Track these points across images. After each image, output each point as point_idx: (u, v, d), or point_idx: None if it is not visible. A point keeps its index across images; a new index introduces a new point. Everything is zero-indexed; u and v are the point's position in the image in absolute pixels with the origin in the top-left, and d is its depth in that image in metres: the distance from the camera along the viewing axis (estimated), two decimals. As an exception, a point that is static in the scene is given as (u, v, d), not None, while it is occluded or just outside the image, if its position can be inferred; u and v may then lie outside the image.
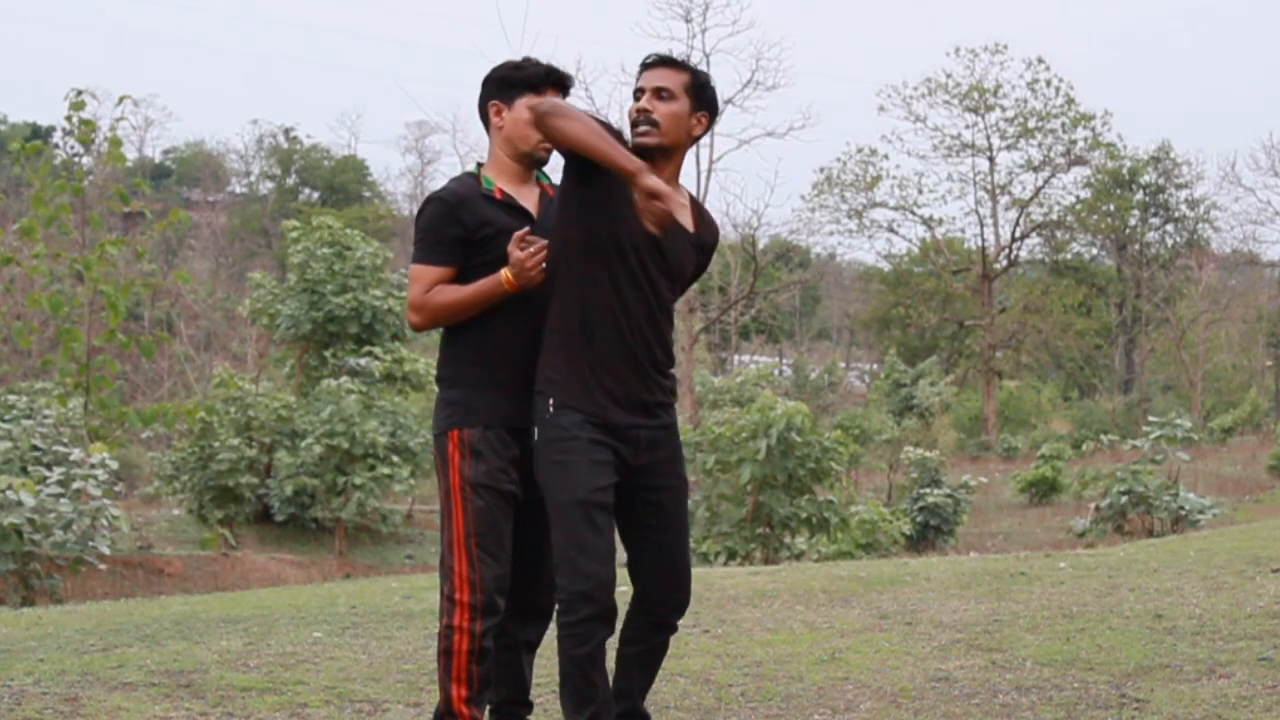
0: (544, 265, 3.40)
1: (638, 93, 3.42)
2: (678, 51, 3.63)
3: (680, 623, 3.57)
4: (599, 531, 3.28)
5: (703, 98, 3.43)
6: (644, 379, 3.40)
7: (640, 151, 3.34)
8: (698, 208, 3.56)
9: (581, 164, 3.31)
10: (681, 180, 3.55)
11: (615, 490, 3.35)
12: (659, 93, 3.38)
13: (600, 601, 3.25)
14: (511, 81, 3.56)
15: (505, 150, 3.59)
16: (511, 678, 3.67)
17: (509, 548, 3.49)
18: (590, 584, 3.24)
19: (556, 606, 3.32)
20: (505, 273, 3.41)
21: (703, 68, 3.46)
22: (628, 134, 3.42)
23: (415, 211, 3.80)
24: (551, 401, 3.36)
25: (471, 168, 3.67)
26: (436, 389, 3.65)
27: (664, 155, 3.39)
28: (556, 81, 3.58)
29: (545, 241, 3.40)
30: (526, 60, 3.61)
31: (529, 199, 3.59)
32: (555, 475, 3.32)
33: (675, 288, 3.50)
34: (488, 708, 3.61)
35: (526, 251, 3.38)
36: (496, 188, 3.56)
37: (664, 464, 3.45)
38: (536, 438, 3.39)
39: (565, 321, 3.37)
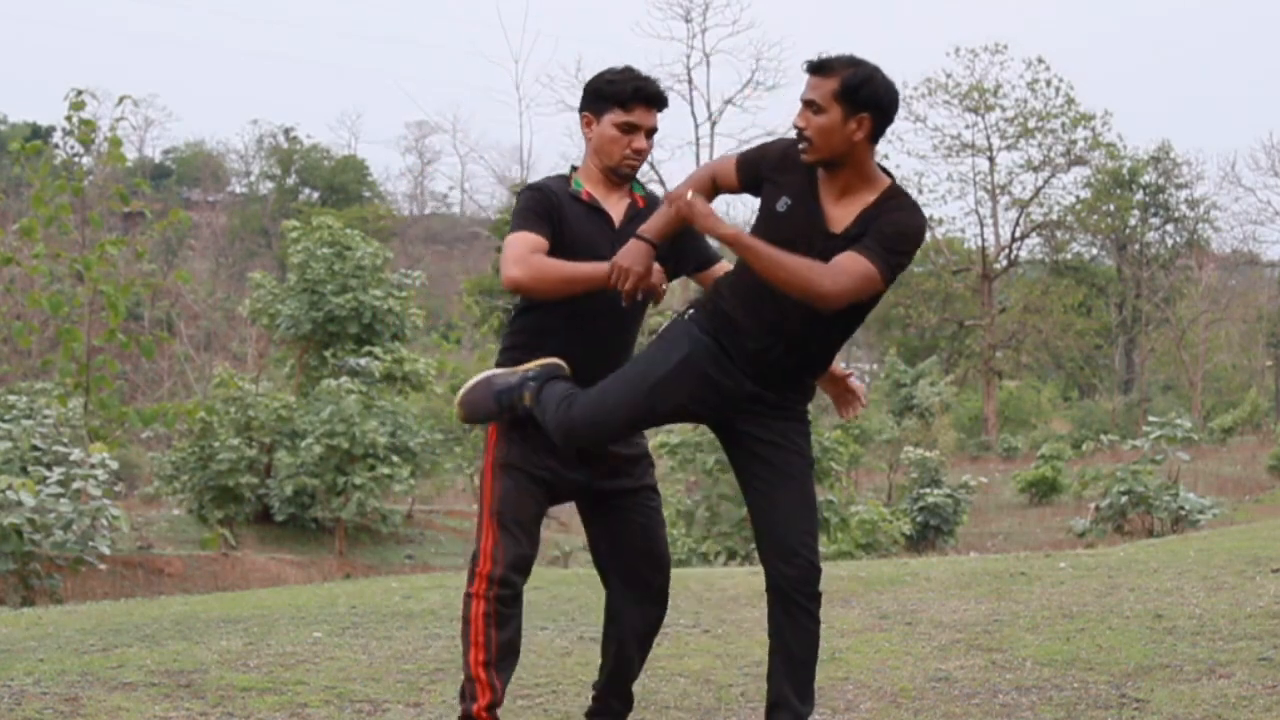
0: (654, 282, 3.38)
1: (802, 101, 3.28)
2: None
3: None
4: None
5: (858, 100, 3.21)
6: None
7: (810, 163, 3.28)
8: (881, 200, 3.31)
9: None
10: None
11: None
12: (809, 105, 3.24)
13: None
14: (602, 94, 3.56)
15: (593, 160, 3.62)
16: (615, 667, 3.71)
17: (533, 530, 3.54)
18: None
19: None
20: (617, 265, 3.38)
21: (864, 62, 3.24)
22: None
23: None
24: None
25: (565, 169, 3.71)
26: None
27: (836, 165, 3.26)
28: (646, 99, 3.55)
29: (661, 272, 3.40)
30: (623, 71, 3.58)
31: (616, 207, 3.60)
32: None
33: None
34: (592, 694, 3.76)
35: (656, 273, 3.38)
36: (585, 190, 3.60)
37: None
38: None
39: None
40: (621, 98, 3.53)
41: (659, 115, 3.61)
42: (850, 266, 3.17)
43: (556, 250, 3.47)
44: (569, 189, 3.59)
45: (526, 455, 3.51)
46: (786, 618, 3.37)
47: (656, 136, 3.69)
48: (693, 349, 3.35)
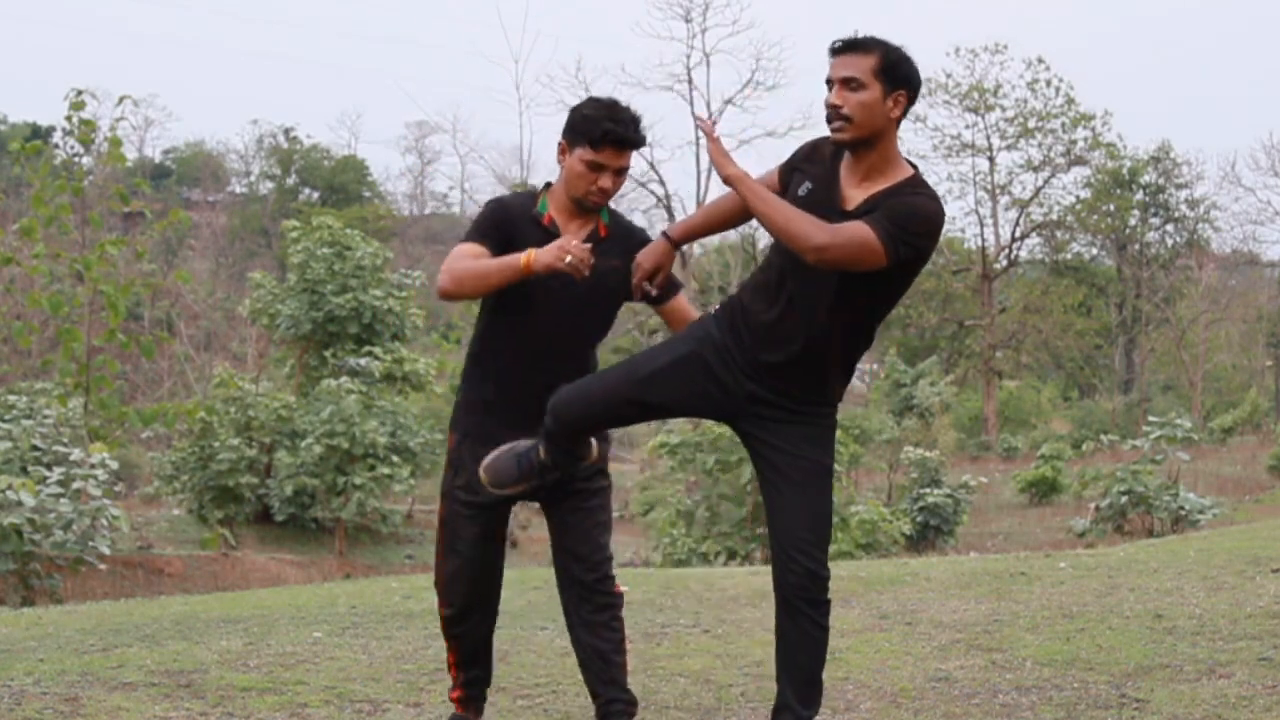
0: (583, 264, 3.34)
1: (829, 83, 3.26)
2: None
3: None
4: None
5: (897, 76, 3.22)
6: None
7: (840, 144, 3.27)
8: (898, 186, 3.26)
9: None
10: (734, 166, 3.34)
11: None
12: (847, 83, 3.21)
13: None
14: (576, 128, 3.56)
15: (563, 186, 3.63)
16: (582, 659, 3.77)
17: (478, 549, 3.71)
18: None
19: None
20: (531, 252, 3.38)
21: (892, 41, 3.26)
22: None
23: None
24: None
25: (541, 185, 3.74)
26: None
27: (865, 146, 3.24)
28: (616, 141, 3.53)
29: (589, 247, 3.38)
30: (602, 107, 3.57)
31: (575, 235, 3.60)
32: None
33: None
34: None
35: (576, 245, 3.35)
36: (548, 214, 3.62)
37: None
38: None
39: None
40: (592, 136, 3.53)
41: (632, 154, 3.61)
42: (849, 228, 3.14)
43: None
44: (533, 210, 3.62)
45: (469, 483, 3.63)
46: (790, 622, 3.36)
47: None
48: (700, 344, 3.35)
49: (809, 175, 3.34)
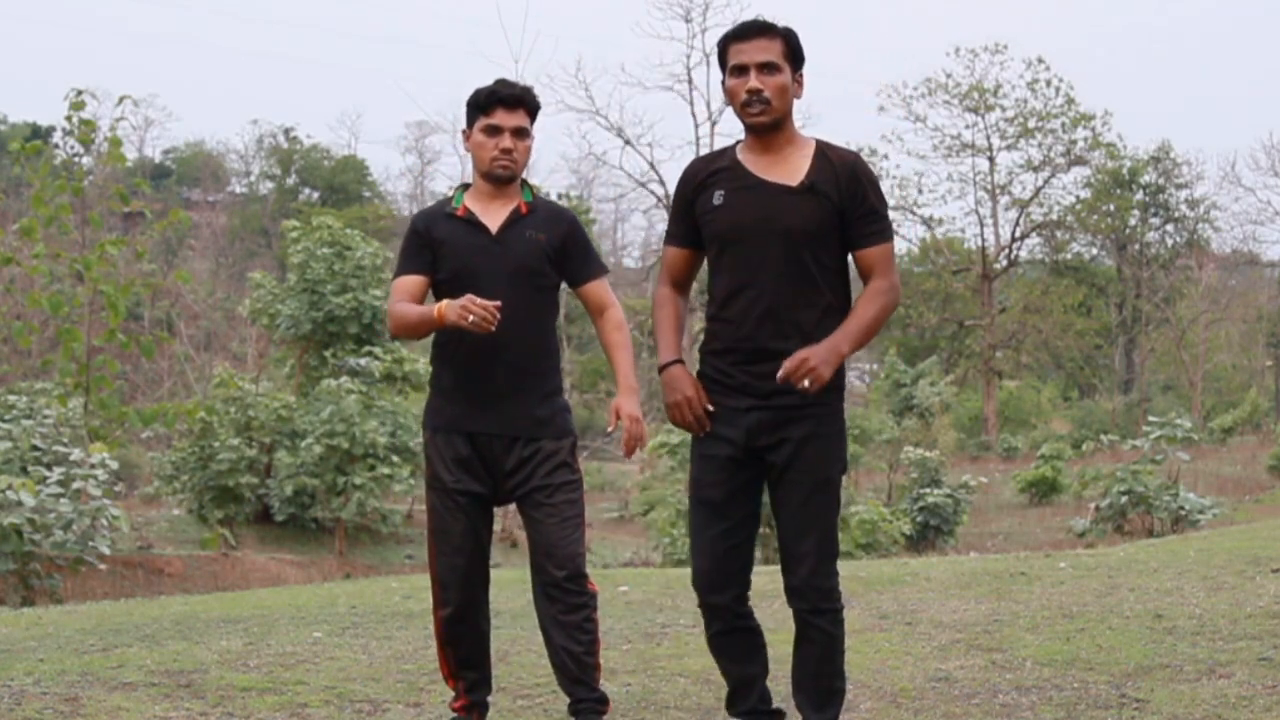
0: (487, 319, 3.45)
1: (738, 69, 3.29)
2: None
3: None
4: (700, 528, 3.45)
5: (798, 57, 3.35)
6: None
7: (756, 129, 3.32)
8: (820, 151, 3.38)
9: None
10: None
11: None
12: (765, 68, 3.27)
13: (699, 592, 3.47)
14: (469, 107, 3.77)
15: (475, 171, 3.81)
16: (550, 656, 3.82)
17: (460, 542, 3.74)
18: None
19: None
20: (442, 305, 3.53)
21: (784, 24, 3.37)
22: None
23: (415, 211, 3.95)
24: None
25: (458, 186, 3.90)
26: None
27: (776, 128, 3.32)
28: (501, 100, 3.71)
29: (497, 305, 3.43)
30: (490, 84, 3.76)
31: (496, 216, 3.75)
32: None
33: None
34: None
35: (479, 304, 3.42)
36: (462, 206, 3.78)
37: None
38: None
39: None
40: (481, 104, 3.73)
41: (526, 116, 3.74)
42: (885, 258, 3.35)
43: (441, 266, 3.71)
44: (446, 208, 3.80)
45: (445, 469, 3.72)
46: (799, 630, 3.44)
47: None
48: (707, 457, 3.41)
49: (713, 186, 3.37)
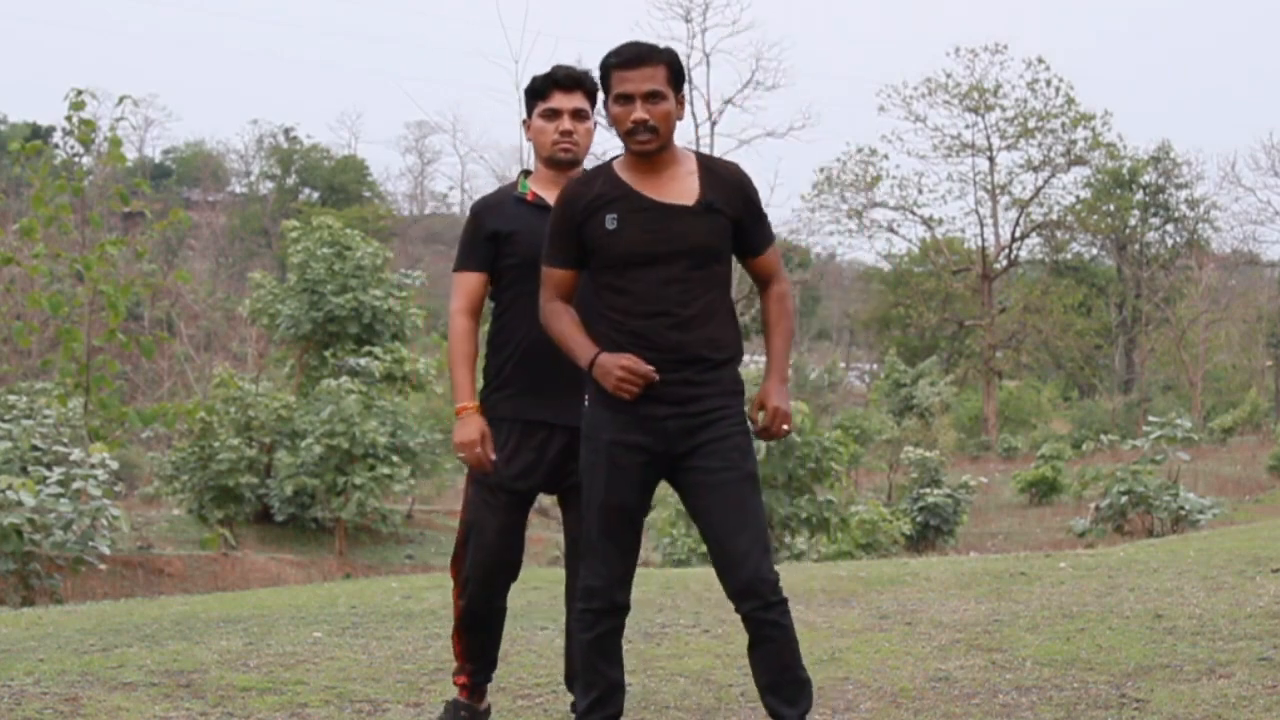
0: (476, 462, 3.60)
1: (623, 97, 3.31)
2: (673, 51, 3.52)
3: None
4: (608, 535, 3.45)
5: (681, 80, 3.39)
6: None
7: (643, 155, 3.35)
8: (704, 167, 3.44)
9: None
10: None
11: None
12: (650, 97, 3.31)
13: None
14: (527, 95, 3.79)
15: (537, 158, 3.83)
16: (569, 649, 3.82)
17: (494, 538, 3.74)
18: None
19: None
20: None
21: (665, 45, 3.42)
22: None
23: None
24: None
25: (519, 173, 3.92)
26: None
27: (660, 151, 3.37)
28: (557, 82, 3.73)
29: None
30: (552, 68, 3.78)
31: None
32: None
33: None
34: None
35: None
36: (530, 191, 3.78)
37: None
38: None
39: None
40: (538, 89, 3.75)
41: (584, 98, 3.75)
42: (778, 258, 3.53)
43: (509, 254, 3.69)
44: (514, 193, 3.80)
45: (495, 466, 3.70)
46: (753, 631, 3.42)
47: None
48: (600, 453, 3.40)
49: (603, 210, 3.36)
